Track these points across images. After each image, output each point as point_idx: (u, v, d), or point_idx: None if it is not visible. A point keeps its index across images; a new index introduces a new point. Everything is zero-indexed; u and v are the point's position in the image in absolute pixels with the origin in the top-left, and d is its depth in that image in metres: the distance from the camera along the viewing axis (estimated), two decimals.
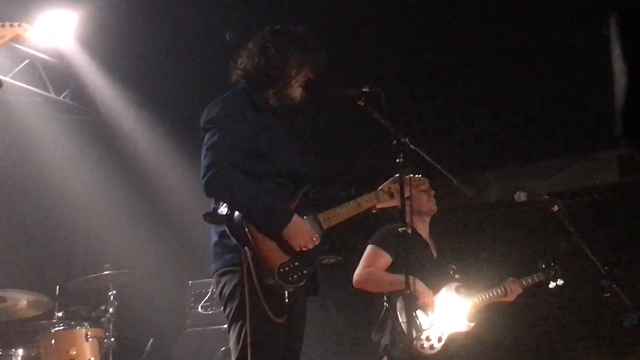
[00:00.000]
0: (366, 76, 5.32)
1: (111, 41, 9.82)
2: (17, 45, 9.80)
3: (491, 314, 6.87)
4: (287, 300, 4.63)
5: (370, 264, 6.40)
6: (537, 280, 6.94)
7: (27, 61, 10.07)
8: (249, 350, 4.49)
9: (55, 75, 10.49)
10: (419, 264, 6.48)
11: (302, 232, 4.68)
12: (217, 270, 4.78)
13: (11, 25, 5.10)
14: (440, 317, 6.36)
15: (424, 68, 9.33)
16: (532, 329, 10.92)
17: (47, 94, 10.40)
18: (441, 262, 6.66)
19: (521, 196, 6.47)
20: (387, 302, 6.43)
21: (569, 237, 6.20)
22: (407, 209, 4.76)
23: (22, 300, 7.67)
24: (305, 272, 4.69)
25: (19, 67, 9.97)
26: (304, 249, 4.67)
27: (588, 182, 10.46)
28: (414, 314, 6.23)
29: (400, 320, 6.22)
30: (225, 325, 4.91)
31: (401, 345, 6.21)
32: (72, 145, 10.36)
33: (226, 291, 4.71)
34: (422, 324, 6.28)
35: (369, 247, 6.52)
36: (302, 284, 4.68)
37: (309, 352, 5.55)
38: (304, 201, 4.83)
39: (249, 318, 4.50)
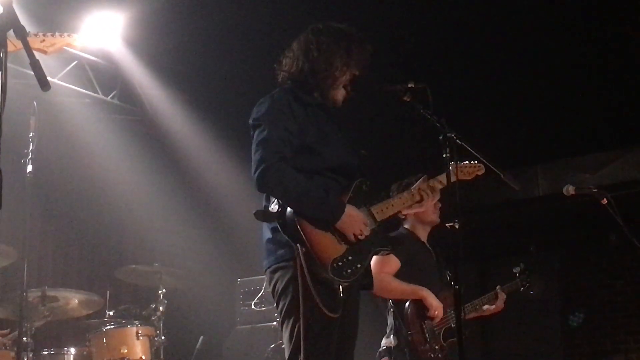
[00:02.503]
0: (411, 71, 5.30)
1: (158, 41, 9.88)
2: (65, 48, 9.88)
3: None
4: (341, 295, 4.63)
5: (381, 268, 6.38)
6: (514, 287, 7.01)
7: (75, 63, 10.17)
8: (302, 346, 4.49)
9: (103, 76, 10.58)
10: (423, 269, 6.65)
11: (356, 221, 4.68)
12: (269, 267, 4.78)
13: (61, 35, 5.13)
14: (440, 326, 6.39)
15: (470, 62, 9.29)
16: (583, 323, 10.87)
17: (95, 94, 10.50)
18: (439, 268, 6.68)
19: (570, 189, 6.44)
20: (394, 307, 6.47)
21: (618, 230, 6.15)
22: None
23: (73, 300, 7.72)
24: (359, 265, 4.68)
25: (67, 69, 10.07)
26: (360, 237, 4.67)
27: (637, 175, 10.37)
28: (423, 323, 6.34)
29: (411, 327, 6.29)
30: (275, 323, 4.92)
31: (406, 351, 6.28)
32: (121, 145, 10.43)
33: (279, 287, 4.71)
34: (429, 333, 6.33)
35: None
36: (356, 278, 4.68)
37: None
38: (356, 194, 4.83)
39: (303, 314, 4.49)
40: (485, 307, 6.82)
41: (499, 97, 9.64)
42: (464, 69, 9.34)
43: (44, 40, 4.90)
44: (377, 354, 6.56)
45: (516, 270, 7.08)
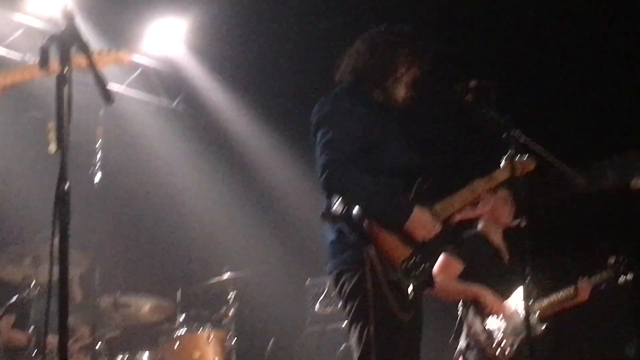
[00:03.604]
0: (473, 69, 5.26)
1: (220, 46, 9.96)
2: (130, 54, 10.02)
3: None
4: (411, 296, 4.62)
5: (443, 271, 6.37)
6: (606, 277, 6.88)
7: (139, 70, 10.28)
8: (373, 348, 4.48)
9: (168, 83, 10.69)
10: (488, 271, 6.60)
11: (425, 223, 4.66)
12: (335, 269, 4.77)
13: (116, 51, 5.16)
14: (511, 323, 6.33)
15: (532, 56, 9.20)
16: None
17: (160, 101, 10.61)
18: (513, 268, 6.59)
19: (639, 183, 6.37)
20: (463, 308, 6.46)
21: None
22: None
23: (145, 306, 7.81)
24: (427, 265, 4.67)
25: (132, 77, 10.19)
26: (427, 239, 4.66)
27: None
28: (485, 321, 6.30)
29: (475, 326, 6.28)
30: (345, 323, 4.90)
31: (475, 351, 6.26)
32: (187, 151, 10.51)
33: (346, 290, 4.68)
34: (494, 330, 6.28)
35: (442, 255, 6.49)
36: (424, 278, 4.67)
37: None
38: (419, 193, 4.81)
39: (373, 316, 4.48)
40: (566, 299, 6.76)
41: (563, 91, 9.52)
42: (526, 64, 9.25)
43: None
44: (453, 357, 6.56)
45: (611, 260, 6.96)
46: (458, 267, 6.51)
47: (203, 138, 10.81)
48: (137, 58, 10.19)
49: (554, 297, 6.70)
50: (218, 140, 10.91)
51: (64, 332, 3.19)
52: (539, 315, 6.50)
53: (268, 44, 9.63)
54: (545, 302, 6.63)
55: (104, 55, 4.89)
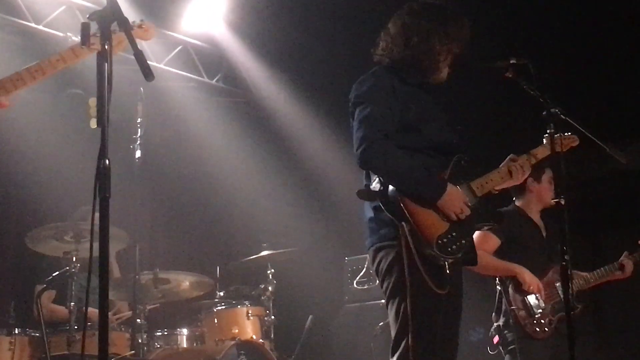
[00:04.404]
0: (513, 46, 5.25)
1: (260, 23, 9.98)
2: (169, 33, 10.09)
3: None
4: (447, 272, 4.62)
5: (479, 246, 6.36)
6: None
7: (180, 47, 10.32)
8: (410, 325, 4.50)
9: (208, 60, 10.73)
10: (527, 246, 6.62)
11: (457, 201, 4.66)
12: (372, 246, 4.79)
13: (139, 25, 4.94)
14: (550, 301, 6.32)
15: (572, 33, 9.12)
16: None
17: (200, 78, 10.65)
18: (551, 244, 6.56)
19: None
20: (500, 285, 6.45)
21: None
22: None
23: (185, 282, 7.85)
24: (463, 242, 4.67)
25: (172, 54, 10.23)
26: (460, 217, 4.66)
27: None
28: (525, 298, 6.31)
29: (513, 303, 6.27)
30: (383, 300, 4.92)
31: (513, 328, 6.25)
32: (227, 128, 10.54)
33: (383, 266, 4.71)
34: (533, 307, 6.28)
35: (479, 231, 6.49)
36: (461, 254, 4.67)
37: None
38: (456, 171, 4.80)
39: (410, 292, 4.50)
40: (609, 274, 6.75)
41: (603, 68, 9.44)
42: (566, 41, 9.17)
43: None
44: (489, 333, 6.56)
45: None
46: (495, 242, 6.51)
47: (242, 115, 10.84)
48: (176, 36, 10.25)
49: (596, 274, 6.68)
50: (258, 117, 10.94)
51: (104, 307, 3.23)
52: (578, 292, 6.49)
53: (307, 20, 9.63)
54: (585, 278, 6.62)
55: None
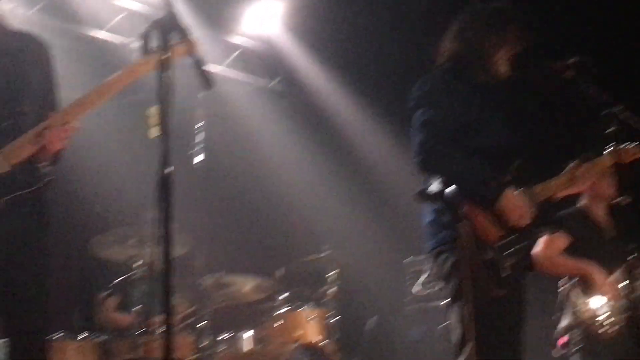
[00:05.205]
0: (573, 46, 5.18)
1: (319, 25, 9.99)
2: (229, 38, 10.17)
3: None
4: (506, 275, 4.59)
5: (548, 245, 6.29)
6: None
7: (239, 51, 10.38)
8: (472, 328, 4.47)
9: (267, 63, 10.77)
10: (592, 246, 6.48)
11: (517, 205, 4.62)
12: (432, 249, 4.79)
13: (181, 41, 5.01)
14: (616, 302, 6.23)
15: (635, 30, 8.99)
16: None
17: (259, 81, 10.69)
18: (617, 243, 6.46)
19: None
20: (565, 284, 6.38)
21: None
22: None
23: (246, 285, 7.89)
24: (522, 245, 4.64)
25: (231, 57, 10.29)
26: (519, 222, 4.63)
27: None
28: (592, 298, 6.23)
29: (579, 303, 6.19)
30: (445, 302, 4.91)
31: (579, 329, 6.17)
32: (286, 130, 10.57)
33: (444, 270, 4.71)
34: (600, 308, 6.20)
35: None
36: (520, 257, 4.63)
37: None
38: (516, 175, 4.78)
39: (470, 296, 4.48)
40: None
41: None
42: (627, 39, 9.04)
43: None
44: (555, 334, 6.50)
45: None
46: (564, 241, 6.44)
47: (302, 117, 10.86)
48: (236, 39, 10.32)
49: None
50: (317, 119, 10.95)
51: (168, 313, 3.25)
52: None
53: (366, 23, 9.62)
54: None
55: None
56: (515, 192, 4.66)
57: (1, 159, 4.14)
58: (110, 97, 4.36)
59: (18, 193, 4.19)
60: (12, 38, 4.45)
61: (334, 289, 8.32)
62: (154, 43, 3.34)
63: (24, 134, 4.21)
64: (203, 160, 7.24)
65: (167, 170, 3.20)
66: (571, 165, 5.11)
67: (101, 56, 9.04)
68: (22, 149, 4.19)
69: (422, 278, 9.08)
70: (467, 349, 4.51)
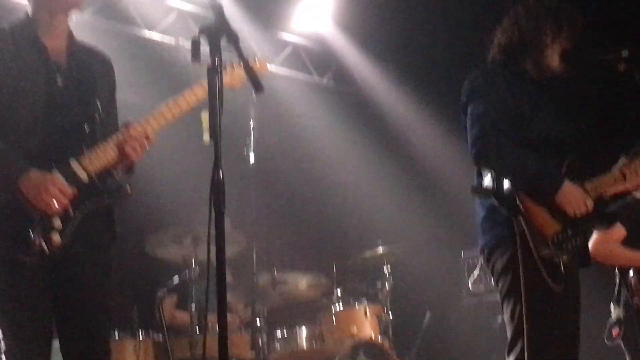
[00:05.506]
0: (626, 39, 5.13)
1: (368, 21, 9.97)
2: (279, 34, 10.21)
3: None
4: (563, 270, 4.57)
5: (606, 237, 6.24)
6: None
7: (290, 48, 10.42)
8: (526, 325, 4.46)
9: (317, 59, 10.79)
10: None
11: (575, 197, 4.60)
12: (486, 245, 4.78)
13: (253, 60, 4.96)
14: None
15: None
16: None
17: (310, 78, 10.71)
18: None
19: None
20: (620, 275, 6.31)
21: None
22: None
23: (302, 282, 7.92)
24: (578, 240, 4.62)
25: (282, 55, 10.32)
26: (577, 214, 4.60)
27: None
28: None
29: (637, 294, 6.13)
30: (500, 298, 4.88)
31: (635, 321, 6.12)
32: (338, 126, 10.57)
33: (499, 266, 4.69)
34: None
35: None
36: (576, 252, 4.61)
37: None
38: (570, 171, 4.75)
39: (526, 290, 4.46)
40: None
41: None
42: None
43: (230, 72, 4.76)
44: (607, 325, 6.46)
45: None
46: (622, 232, 6.39)
47: (353, 113, 10.85)
48: (287, 36, 10.35)
49: None
50: (369, 115, 10.94)
51: (222, 311, 3.30)
52: None
53: (416, 18, 9.59)
54: None
55: (237, 69, 4.80)
56: (574, 186, 4.63)
57: (79, 167, 4.18)
58: (185, 111, 4.44)
59: (96, 202, 4.25)
60: (82, 50, 4.52)
61: (389, 284, 8.31)
62: (206, 47, 3.38)
63: (102, 143, 4.27)
64: (257, 157, 7.29)
65: (218, 175, 3.23)
66: (622, 160, 5.06)
67: (153, 56, 9.12)
68: (101, 157, 4.24)
69: (477, 272, 9.04)
70: (519, 346, 4.51)
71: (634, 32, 8.18)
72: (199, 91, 4.43)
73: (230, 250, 6.92)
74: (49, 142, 4.18)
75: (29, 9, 4.42)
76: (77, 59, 4.43)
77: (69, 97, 4.30)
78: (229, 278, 8.00)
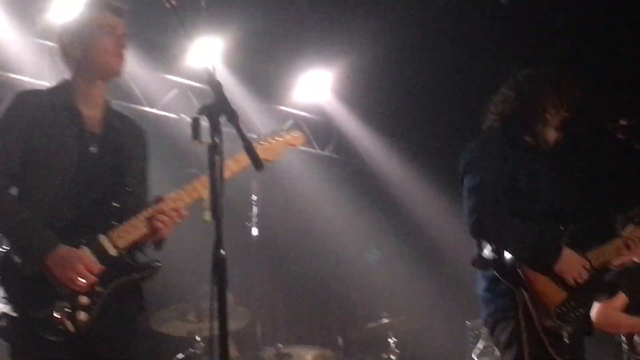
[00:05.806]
0: (625, 105, 5.18)
1: (368, 92, 10.06)
2: (281, 108, 10.29)
3: None
4: (567, 341, 4.54)
5: (607, 305, 6.23)
6: None
7: (290, 121, 10.48)
8: None
9: (318, 131, 10.85)
10: None
11: (575, 264, 4.60)
12: (489, 317, 4.76)
13: (281, 137, 4.89)
14: None
15: None
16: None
17: (312, 150, 10.76)
18: None
19: None
20: (626, 341, 6.31)
21: None
22: None
23: (307, 355, 7.86)
24: (582, 311, 4.61)
25: (284, 127, 10.37)
26: (579, 281, 4.58)
27: None
28: None
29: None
30: None
31: None
32: (341, 197, 10.58)
33: (503, 339, 4.67)
34: None
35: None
36: (579, 323, 4.59)
37: None
38: (572, 239, 4.74)
39: None
40: None
41: None
42: None
43: (264, 145, 4.68)
44: None
45: None
46: (624, 299, 6.38)
47: (355, 184, 10.88)
48: (288, 109, 10.42)
49: None
50: (370, 185, 10.97)
51: None
52: None
53: (415, 87, 9.66)
54: None
55: (269, 144, 4.75)
56: (573, 253, 4.63)
57: (109, 243, 4.11)
58: (197, 196, 4.37)
59: (125, 278, 4.17)
60: (118, 119, 4.49)
61: (396, 356, 8.26)
62: (205, 126, 3.39)
63: (132, 217, 4.19)
64: (259, 231, 7.29)
65: (220, 253, 3.22)
66: (625, 230, 5.06)
67: (157, 131, 9.16)
68: (131, 233, 4.17)
69: (481, 345, 8.97)
70: None
71: (630, 101, 8.25)
72: (234, 166, 4.35)
73: (234, 325, 6.93)
74: (78, 213, 4.10)
75: (68, 75, 4.39)
76: (112, 127, 4.39)
77: (102, 167, 4.25)
78: (233, 353, 7.98)
